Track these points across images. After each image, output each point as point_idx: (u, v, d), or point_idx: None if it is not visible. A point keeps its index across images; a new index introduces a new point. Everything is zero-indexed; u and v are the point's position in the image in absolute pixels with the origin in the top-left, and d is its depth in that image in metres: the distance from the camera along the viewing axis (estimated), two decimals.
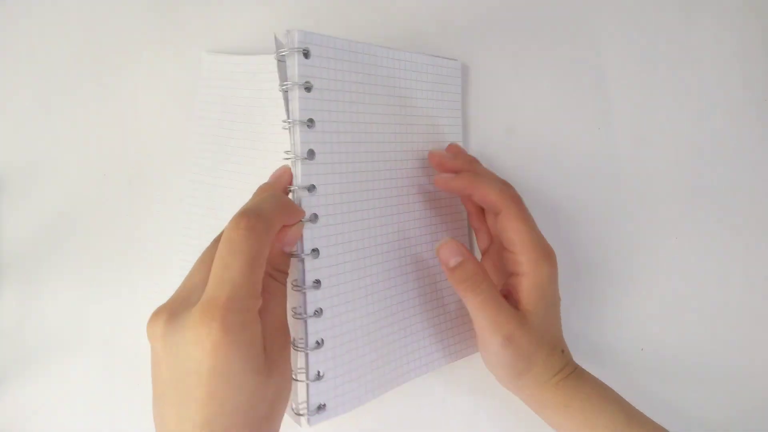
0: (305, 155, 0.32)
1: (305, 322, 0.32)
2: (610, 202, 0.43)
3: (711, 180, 0.43)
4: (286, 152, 0.32)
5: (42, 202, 0.42)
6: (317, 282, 0.32)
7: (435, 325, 0.40)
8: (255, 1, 0.43)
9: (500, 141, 0.43)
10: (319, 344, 0.32)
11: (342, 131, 0.34)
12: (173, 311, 0.26)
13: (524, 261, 0.35)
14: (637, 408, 0.35)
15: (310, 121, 0.32)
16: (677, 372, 0.43)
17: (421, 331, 0.39)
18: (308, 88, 0.32)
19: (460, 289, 0.34)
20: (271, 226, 0.28)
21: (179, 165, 0.42)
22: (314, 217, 0.32)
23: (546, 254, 0.35)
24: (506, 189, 0.36)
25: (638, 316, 0.42)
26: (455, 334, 0.41)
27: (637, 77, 0.43)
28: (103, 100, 0.42)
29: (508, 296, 0.35)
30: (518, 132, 0.43)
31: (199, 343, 0.25)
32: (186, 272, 0.29)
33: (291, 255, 0.32)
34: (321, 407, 0.33)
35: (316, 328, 0.32)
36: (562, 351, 0.36)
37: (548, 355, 0.35)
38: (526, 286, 0.35)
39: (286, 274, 0.31)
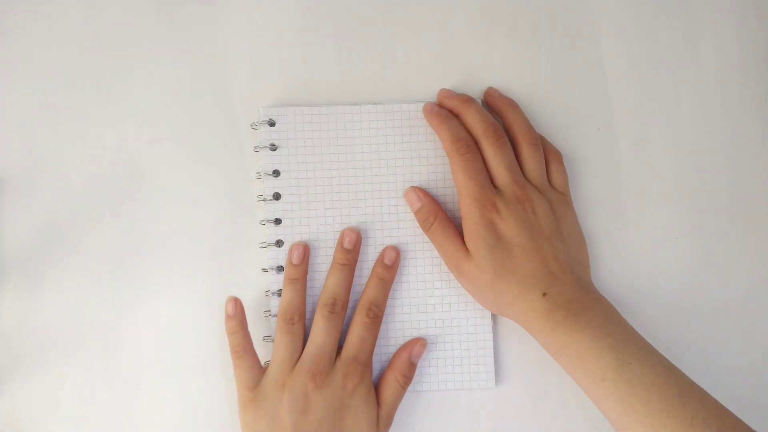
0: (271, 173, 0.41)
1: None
2: (610, 203, 0.43)
3: (711, 180, 0.43)
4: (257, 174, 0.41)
5: (42, 202, 0.42)
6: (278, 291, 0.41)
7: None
8: (257, 3, 0.43)
9: None
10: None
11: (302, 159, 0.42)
12: None
13: (462, 206, 0.38)
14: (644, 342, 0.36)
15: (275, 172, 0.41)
16: None
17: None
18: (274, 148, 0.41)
19: (423, 229, 0.40)
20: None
21: (179, 165, 0.42)
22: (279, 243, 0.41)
23: (481, 202, 0.37)
24: (487, 127, 0.39)
25: (639, 316, 0.42)
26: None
27: (637, 77, 0.44)
28: (103, 100, 0.42)
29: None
30: None
31: None
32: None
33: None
34: None
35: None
36: (544, 294, 0.36)
37: (522, 294, 0.36)
38: (464, 228, 0.38)
39: (408, 378, 0.40)
